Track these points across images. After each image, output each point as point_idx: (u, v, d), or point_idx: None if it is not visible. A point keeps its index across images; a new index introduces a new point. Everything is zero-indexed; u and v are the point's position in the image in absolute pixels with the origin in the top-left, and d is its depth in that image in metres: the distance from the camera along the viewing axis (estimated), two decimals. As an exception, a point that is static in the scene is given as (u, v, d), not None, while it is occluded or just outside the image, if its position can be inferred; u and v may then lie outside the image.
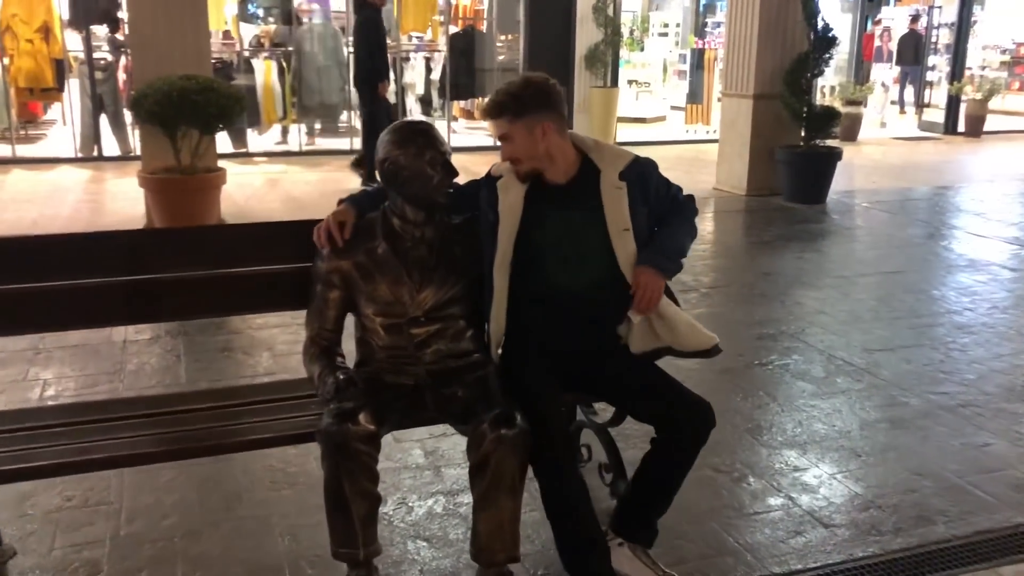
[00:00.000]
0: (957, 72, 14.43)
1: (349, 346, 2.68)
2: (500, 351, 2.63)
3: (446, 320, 2.61)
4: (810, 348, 4.55)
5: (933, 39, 15.39)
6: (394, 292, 2.57)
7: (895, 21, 18.59)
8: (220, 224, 5.82)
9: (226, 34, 12.04)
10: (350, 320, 2.67)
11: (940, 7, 15.09)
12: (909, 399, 3.93)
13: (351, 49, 11.30)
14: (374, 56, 9.02)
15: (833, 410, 3.81)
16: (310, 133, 11.92)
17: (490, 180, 2.64)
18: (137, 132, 8.07)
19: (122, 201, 7.97)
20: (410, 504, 3.00)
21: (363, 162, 9.21)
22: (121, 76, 10.66)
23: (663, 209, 2.65)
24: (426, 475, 3.20)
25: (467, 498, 2.97)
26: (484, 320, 2.68)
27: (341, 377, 2.38)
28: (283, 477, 3.15)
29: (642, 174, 2.59)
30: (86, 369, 4.13)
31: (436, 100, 12.69)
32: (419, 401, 2.56)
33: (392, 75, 10.49)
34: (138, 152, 8.02)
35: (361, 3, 9.20)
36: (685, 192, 2.77)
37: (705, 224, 7.93)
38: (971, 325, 4.95)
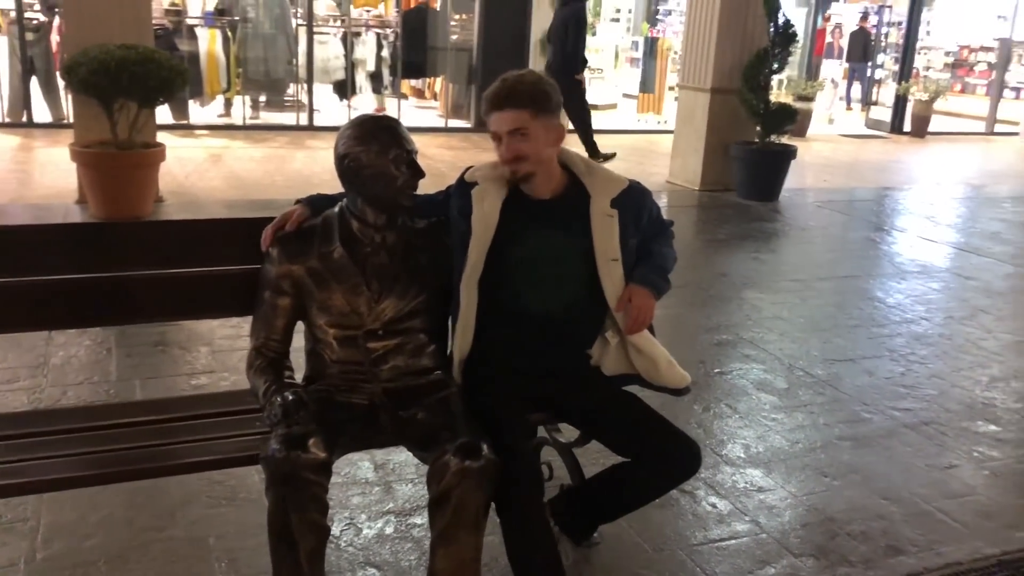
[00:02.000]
0: (905, 72, 14.58)
1: (298, 359, 2.46)
2: (463, 370, 2.45)
3: (406, 334, 2.41)
4: (771, 357, 4.45)
5: (882, 37, 15.53)
6: (350, 302, 2.36)
7: (844, 18, 18.80)
8: (162, 220, 5.47)
9: (169, -1, 11.52)
10: (300, 330, 2.46)
11: (890, 6, 15.21)
12: (872, 415, 3.85)
13: (300, 21, 10.99)
14: (579, 49, 9.58)
15: (796, 425, 3.71)
16: (255, 107, 11.51)
17: (463, 186, 2.44)
18: (71, 99, 7.64)
19: (53, 172, 7.54)
20: (359, 525, 2.81)
21: (594, 149, 9.54)
22: (54, 38, 10.11)
23: (651, 234, 2.50)
24: (376, 492, 3.01)
25: (420, 519, 2.81)
26: (447, 335, 2.49)
27: (290, 398, 2.16)
28: (222, 492, 2.92)
29: (636, 202, 2.43)
30: (6, 361, 3.82)
31: (387, 77, 12.35)
32: (374, 422, 2.36)
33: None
34: (71, 120, 7.60)
35: None
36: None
37: (659, 218, 7.83)
38: (928, 336, 4.92)
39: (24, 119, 9.85)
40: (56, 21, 10.05)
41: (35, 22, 10.00)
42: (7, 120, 9.78)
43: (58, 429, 2.37)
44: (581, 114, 9.64)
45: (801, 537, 2.90)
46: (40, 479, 2.16)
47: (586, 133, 9.63)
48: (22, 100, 9.85)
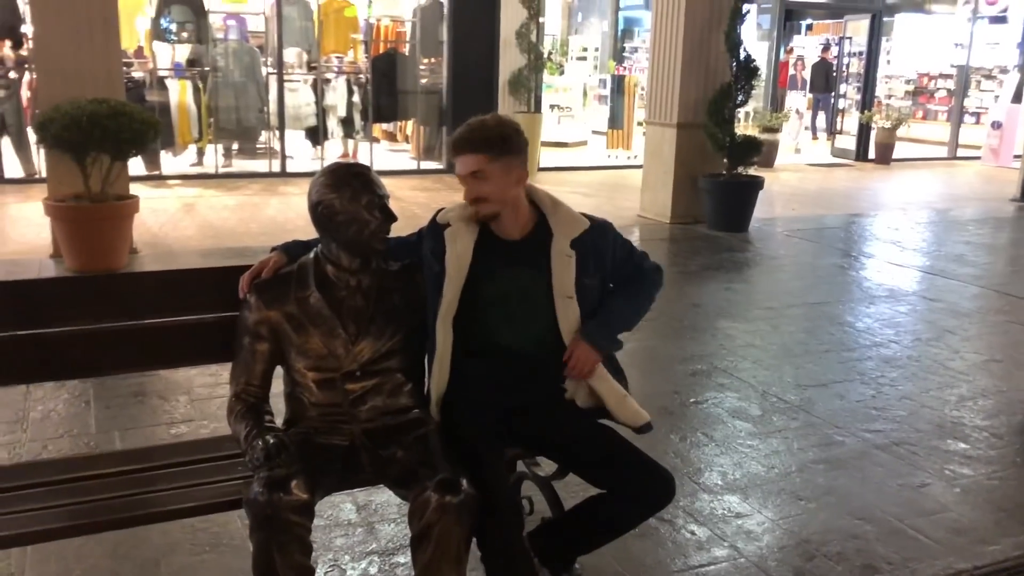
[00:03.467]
0: (867, 100, 14.90)
1: (278, 404, 2.50)
2: (440, 407, 2.49)
3: (383, 374, 2.46)
4: (744, 384, 4.53)
5: (844, 68, 15.88)
6: (327, 345, 2.41)
7: (806, 50, 19.22)
8: (137, 272, 5.46)
9: (138, 51, 11.61)
10: (279, 375, 2.50)
11: (850, 37, 15.58)
12: (845, 438, 3.92)
13: (270, 69, 11.12)
14: None
15: (771, 451, 3.78)
16: (227, 155, 11.58)
17: (436, 228, 2.51)
18: (42, 154, 7.67)
19: (25, 228, 7.55)
20: (343, 567, 2.83)
21: None
22: (25, 94, 10.15)
23: (625, 274, 2.57)
24: (359, 533, 3.03)
25: (404, 557, 2.83)
26: (423, 374, 2.54)
27: (271, 441, 2.19)
28: (205, 539, 2.93)
29: (596, 244, 2.50)
30: (-16, 417, 3.82)
31: (358, 122, 12.47)
32: (354, 463, 2.40)
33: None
34: (43, 175, 7.62)
35: None
36: (652, 260, 2.73)
37: (632, 252, 7.93)
38: (898, 358, 5.02)
39: (-5, 175, 9.84)
40: (27, 77, 10.10)
41: (4, 79, 10.03)
42: (-22, 177, 9.76)
43: (39, 482, 2.38)
44: None
45: (779, 560, 2.95)
46: (23, 532, 2.17)
47: None
48: (-7, 156, 9.85)
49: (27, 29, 9.47)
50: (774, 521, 3.20)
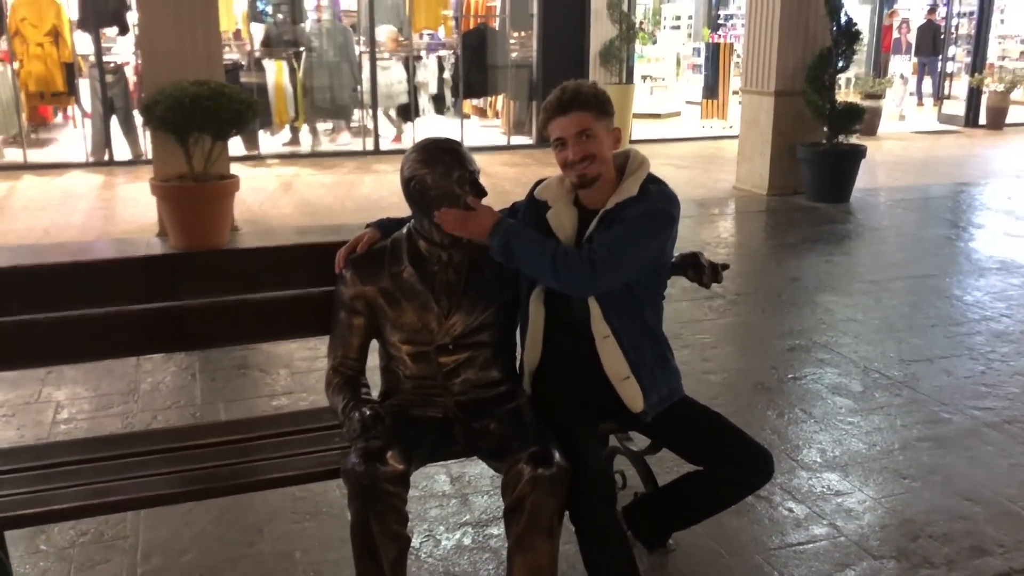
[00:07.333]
0: (978, 63, 14.19)
1: (373, 377, 2.55)
2: (532, 380, 2.50)
3: (475, 348, 2.47)
4: (845, 360, 4.40)
5: (952, 29, 15.14)
6: (421, 318, 2.43)
7: (911, 12, 18.38)
8: (239, 248, 5.61)
9: (236, 34, 11.92)
10: (374, 348, 2.54)
11: (959, -3, 14.86)
12: (952, 415, 3.77)
13: (362, 48, 11.27)
14: None
15: (873, 428, 3.66)
16: (318, 132, 11.78)
17: (535, 204, 2.49)
18: (148, 135, 7.97)
19: (134, 208, 7.86)
20: (437, 537, 2.88)
21: None
22: (132, 78, 10.55)
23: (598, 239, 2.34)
24: (453, 504, 3.07)
25: (497, 529, 2.86)
26: (515, 347, 2.55)
27: (367, 413, 2.23)
28: (305, 507, 3.02)
29: (624, 209, 2.35)
30: (99, 389, 4.01)
31: (449, 98, 12.55)
32: (448, 435, 2.43)
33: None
34: (150, 156, 7.92)
35: None
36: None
37: (727, 224, 7.79)
38: (1010, 333, 4.79)
39: (106, 158, 10.28)
40: (133, 62, 10.49)
41: (113, 64, 10.44)
42: (90, 159, 10.20)
43: (150, 450, 2.50)
44: None
45: (881, 539, 2.87)
46: (136, 496, 2.29)
47: None
48: (104, 140, 10.28)
49: (132, 16, 9.84)
50: (876, 500, 3.11)
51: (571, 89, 2.38)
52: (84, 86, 10.70)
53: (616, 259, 2.28)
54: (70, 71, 10.40)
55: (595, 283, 2.31)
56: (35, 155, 10.44)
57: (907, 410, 3.83)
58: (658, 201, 2.36)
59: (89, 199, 8.50)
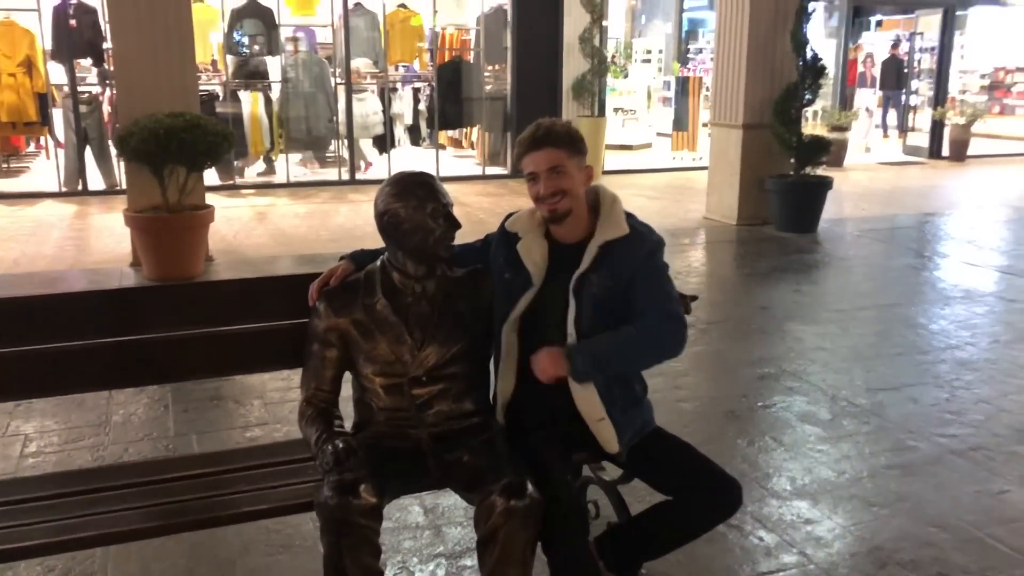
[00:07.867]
0: (940, 97, 14.51)
1: (347, 408, 2.56)
2: (505, 411, 2.53)
3: (449, 379, 2.49)
4: (814, 388, 4.46)
5: (915, 64, 15.48)
6: (394, 350, 2.46)
7: (876, 46, 18.78)
8: (210, 281, 5.61)
9: (213, 64, 11.95)
10: (348, 380, 2.56)
11: (921, 33, 15.19)
12: (918, 443, 3.84)
13: (338, 80, 11.34)
14: None
15: (842, 456, 3.72)
16: (298, 163, 11.82)
17: (507, 236, 2.53)
18: (123, 166, 7.95)
19: (107, 238, 7.83)
20: (411, 568, 2.88)
21: None
22: (106, 108, 10.54)
23: (639, 307, 2.43)
24: (426, 536, 3.08)
25: (470, 560, 2.87)
26: (488, 378, 2.58)
27: (340, 445, 2.25)
28: (279, 540, 3.01)
29: (624, 251, 2.42)
30: (69, 421, 3.99)
31: (424, 129, 12.64)
32: (421, 467, 2.44)
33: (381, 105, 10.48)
34: (124, 186, 7.90)
35: None
36: (689, 294, 2.67)
37: (697, 254, 7.88)
38: (974, 361, 4.88)
39: (79, 187, 10.23)
40: (108, 92, 10.48)
41: (87, 95, 10.42)
42: (64, 189, 10.15)
43: (121, 484, 2.48)
44: None
45: (850, 567, 2.91)
46: (106, 532, 2.27)
47: None
48: (77, 169, 10.23)
49: (108, 46, 9.84)
50: (845, 527, 3.16)
51: (545, 126, 2.44)
52: (58, 116, 10.66)
53: (676, 300, 2.49)
54: (43, 101, 10.38)
55: (687, 331, 2.50)
56: (6, 184, 10.38)
57: (875, 438, 3.89)
58: (650, 235, 2.48)
59: (61, 228, 8.46)
